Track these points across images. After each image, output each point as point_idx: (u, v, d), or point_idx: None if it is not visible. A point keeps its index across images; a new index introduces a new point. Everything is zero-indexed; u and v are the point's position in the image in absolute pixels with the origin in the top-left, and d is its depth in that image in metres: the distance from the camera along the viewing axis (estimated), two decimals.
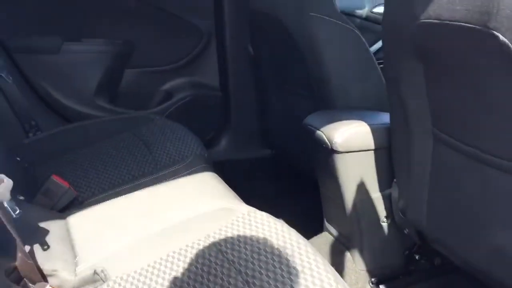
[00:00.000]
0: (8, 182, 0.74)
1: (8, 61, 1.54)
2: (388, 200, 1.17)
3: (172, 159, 1.28)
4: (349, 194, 1.17)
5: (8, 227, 0.72)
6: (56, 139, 1.49)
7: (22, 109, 1.45)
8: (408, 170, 1.02)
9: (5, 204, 0.72)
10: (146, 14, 1.70)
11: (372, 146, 1.12)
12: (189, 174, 1.18)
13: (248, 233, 0.82)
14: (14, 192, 1.09)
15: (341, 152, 1.11)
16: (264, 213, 0.88)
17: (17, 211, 0.74)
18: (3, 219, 0.72)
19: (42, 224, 0.94)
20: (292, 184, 1.84)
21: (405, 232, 1.15)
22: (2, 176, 0.75)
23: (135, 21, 1.71)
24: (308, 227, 1.54)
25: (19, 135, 1.45)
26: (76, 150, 1.39)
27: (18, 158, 1.36)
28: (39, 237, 0.88)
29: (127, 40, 1.73)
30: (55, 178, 1.09)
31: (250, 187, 1.87)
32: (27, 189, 1.19)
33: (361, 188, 1.16)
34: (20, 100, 1.44)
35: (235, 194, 1.09)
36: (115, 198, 1.07)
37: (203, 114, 1.91)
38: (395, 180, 1.14)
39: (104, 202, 1.06)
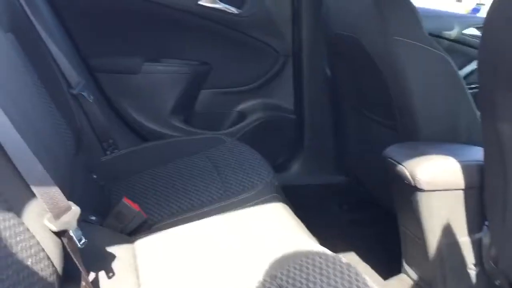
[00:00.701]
0: (75, 210, 0.74)
1: (91, 80, 1.60)
2: (477, 246, 1.05)
3: (242, 186, 1.24)
4: (433, 236, 1.07)
5: (73, 257, 0.71)
6: (131, 158, 1.52)
7: (101, 128, 1.50)
8: (503, 213, 0.90)
9: (71, 233, 0.72)
10: (223, 35, 1.71)
11: (462, 185, 1.01)
12: (258, 204, 1.14)
13: (317, 278, 0.76)
14: (87, 211, 1.13)
15: (426, 191, 1.01)
16: (336, 257, 0.81)
17: (83, 241, 0.73)
18: (68, 249, 0.71)
19: (110, 249, 0.94)
20: (367, 215, 1.75)
21: (496, 283, 1.02)
22: (70, 203, 0.75)
23: (212, 42, 1.72)
24: (384, 266, 1.44)
25: (97, 153, 1.49)
26: (150, 170, 1.41)
27: (94, 176, 1.41)
28: (105, 264, 0.87)
29: (204, 61, 1.74)
30: (126, 201, 1.10)
31: (321, 215, 1.81)
32: (100, 208, 1.21)
33: (447, 231, 1.05)
34: (100, 119, 1.48)
35: (306, 230, 1.03)
36: (183, 225, 1.05)
37: (275, 137, 1.87)
38: (486, 223, 1.02)
39: (172, 228, 1.05)
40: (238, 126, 1.80)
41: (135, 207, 1.12)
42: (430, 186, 1.01)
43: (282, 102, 1.86)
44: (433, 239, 1.07)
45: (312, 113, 1.84)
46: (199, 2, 1.61)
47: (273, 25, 1.73)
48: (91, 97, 1.45)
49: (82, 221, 1.08)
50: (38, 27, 1.31)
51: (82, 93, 1.42)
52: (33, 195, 0.70)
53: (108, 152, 1.52)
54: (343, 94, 1.63)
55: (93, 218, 1.11)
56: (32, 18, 1.30)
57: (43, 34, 1.33)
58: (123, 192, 1.31)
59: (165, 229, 1.06)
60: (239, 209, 1.12)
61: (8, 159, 0.68)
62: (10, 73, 0.91)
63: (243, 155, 1.45)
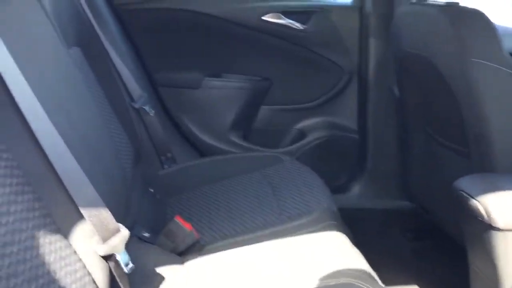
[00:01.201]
0: (124, 233, 0.73)
1: (153, 94, 1.62)
2: None
3: (298, 210, 1.19)
4: (510, 281, 0.96)
5: (119, 282, 0.69)
6: (188, 172, 1.51)
7: (161, 141, 1.50)
8: None
9: (118, 258, 0.70)
10: (286, 51, 1.68)
11: None
12: (314, 231, 1.08)
13: None
14: (140, 227, 1.12)
15: (502, 230, 0.91)
16: None
17: (130, 266, 0.71)
18: (115, 274, 0.69)
19: (159, 270, 0.92)
20: (433, 246, 1.63)
21: None
22: (119, 225, 0.73)
23: (274, 58, 1.70)
24: None
25: (156, 166, 1.50)
26: (206, 186, 1.40)
27: (151, 190, 1.41)
28: (153, 286, 0.85)
29: (265, 77, 1.72)
30: (178, 220, 1.08)
31: (382, 242, 1.71)
32: (154, 224, 1.21)
33: None
34: (159, 132, 1.50)
35: (364, 259, 0.96)
36: (235, 249, 1.02)
37: (336, 157, 1.81)
38: None
39: (224, 251, 1.02)
40: (297, 145, 1.75)
41: (187, 226, 1.10)
42: (507, 226, 0.91)
43: (344, 121, 1.79)
44: (509, 284, 0.96)
45: (376, 134, 1.76)
46: (263, 18, 1.59)
47: (339, 41, 1.67)
48: (152, 111, 1.46)
49: (135, 237, 1.08)
50: (105, 41, 1.35)
51: (144, 107, 1.43)
52: (81, 217, 0.69)
53: (166, 166, 1.53)
54: (411, 115, 1.54)
55: (146, 235, 1.10)
56: (99, 31, 1.34)
57: (109, 48, 1.36)
58: (178, 208, 1.31)
59: (216, 251, 1.03)
60: (294, 235, 1.06)
61: (59, 180, 0.68)
62: (69, 91, 0.93)
63: (301, 176, 1.40)
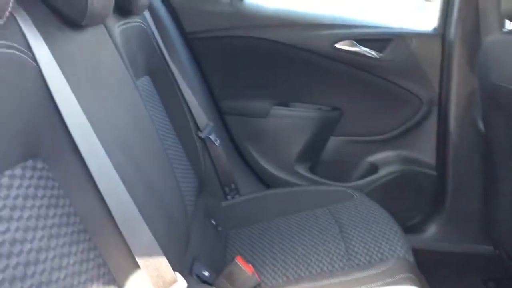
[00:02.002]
0: (181, 284, 0.68)
1: (219, 122, 1.60)
2: None
3: (368, 256, 1.10)
4: None
5: None
6: (252, 205, 1.48)
7: (225, 172, 1.48)
8: None
9: None
10: (359, 80, 1.60)
11: None
12: (387, 284, 0.98)
13: None
14: (201, 263, 1.08)
15: None
16: None
17: None
18: None
19: None
20: None
21: None
22: (177, 275, 0.69)
23: (346, 86, 1.62)
24: None
25: (219, 197, 1.47)
26: (270, 220, 1.35)
27: (213, 221, 1.38)
28: None
29: (336, 106, 1.64)
30: (239, 261, 1.03)
31: None
32: (214, 260, 1.17)
33: None
34: (224, 163, 1.47)
35: None
36: None
37: (411, 194, 1.69)
38: None
39: None
40: (368, 179, 1.65)
41: (248, 268, 1.05)
42: None
43: (421, 156, 1.67)
44: None
45: (457, 170, 1.61)
46: (336, 45, 1.53)
47: (418, 70, 1.56)
48: (217, 140, 1.43)
49: (195, 276, 1.05)
50: (174, 69, 1.35)
51: (209, 136, 1.41)
52: (137, 267, 0.65)
53: (229, 197, 1.50)
54: (498, 152, 1.40)
55: (206, 273, 1.06)
56: (168, 60, 1.34)
57: (178, 76, 1.36)
58: (240, 243, 1.27)
59: None
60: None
61: (116, 226, 0.64)
62: (133, 127, 0.91)
63: (372, 216, 1.31)
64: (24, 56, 0.59)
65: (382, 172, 1.66)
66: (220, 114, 1.63)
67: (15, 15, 0.61)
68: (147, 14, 1.29)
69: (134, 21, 1.17)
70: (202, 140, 1.42)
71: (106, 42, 0.93)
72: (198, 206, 1.33)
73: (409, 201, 1.69)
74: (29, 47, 0.60)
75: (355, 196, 1.41)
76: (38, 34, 0.63)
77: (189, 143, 1.36)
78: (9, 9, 0.51)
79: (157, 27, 1.35)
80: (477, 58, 1.36)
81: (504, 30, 1.29)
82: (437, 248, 1.68)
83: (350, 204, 1.37)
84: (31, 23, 0.63)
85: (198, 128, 1.41)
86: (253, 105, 1.63)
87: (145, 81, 1.24)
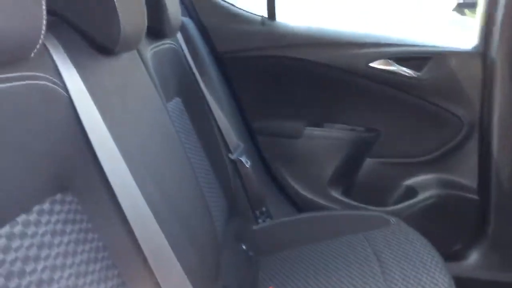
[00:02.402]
0: None
1: (250, 143, 1.57)
2: None
3: None
4: None
5: None
6: (284, 229, 1.43)
7: (256, 194, 1.44)
8: None
9: None
10: (395, 100, 1.54)
11: None
12: None
13: None
14: None
15: None
16: None
17: None
18: None
19: None
20: None
21: None
22: None
23: (382, 107, 1.57)
24: None
25: (249, 221, 1.43)
26: (303, 246, 1.31)
27: (244, 246, 1.35)
28: None
29: (371, 127, 1.59)
30: None
31: None
32: (245, 285, 1.14)
33: None
34: (255, 185, 1.43)
35: None
36: None
37: (451, 219, 1.60)
38: None
39: None
40: (406, 204, 1.58)
41: None
42: None
43: (462, 179, 1.59)
44: None
45: (501, 195, 1.53)
46: (371, 64, 1.48)
47: (458, 90, 1.50)
48: (248, 162, 1.40)
49: None
50: (205, 90, 1.33)
51: (240, 157, 1.38)
52: None
53: (260, 221, 1.46)
54: None
55: None
56: (200, 80, 1.32)
57: (209, 97, 1.34)
58: (272, 270, 1.23)
59: None
60: None
61: (146, 260, 0.61)
62: (163, 152, 0.89)
63: (411, 245, 1.25)
64: (55, 87, 0.57)
65: (420, 196, 1.59)
66: (251, 134, 1.59)
67: (46, 44, 0.59)
68: (178, 34, 1.28)
69: (166, 43, 1.15)
70: (233, 161, 1.39)
71: (138, 67, 0.92)
72: (228, 231, 1.30)
73: (449, 227, 1.61)
74: (60, 77, 0.58)
75: (392, 222, 1.35)
76: (69, 62, 0.62)
77: (219, 165, 1.33)
78: (41, 41, 0.50)
79: (188, 47, 1.34)
80: None
81: None
82: (480, 276, 1.59)
83: (387, 231, 1.31)
84: (63, 51, 0.62)
85: (228, 150, 1.38)
86: (285, 126, 1.59)
87: (176, 102, 1.22)
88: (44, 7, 0.49)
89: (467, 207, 1.59)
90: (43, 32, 0.50)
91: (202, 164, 1.27)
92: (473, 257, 1.61)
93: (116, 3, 0.71)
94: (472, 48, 1.50)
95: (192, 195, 0.99)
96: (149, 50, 1.02)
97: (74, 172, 0.58)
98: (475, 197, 1.58)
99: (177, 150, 0.98)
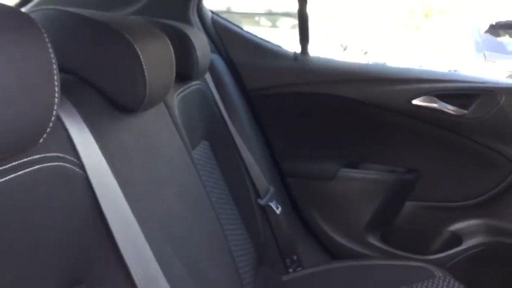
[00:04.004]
0: None
1: (281, 186, 1.49)
2: None
3: None
4: None
5: None
6: (317, 280, 1.35)
7: (286, 242, 1.36)
8: None
9: None
10: (438, 139, 1.44)
11: None
12: None
13: None
14: None
15: None
16: None
17: None
18: None
19: None
20: None
21: None
22: None
23: (424, 146, 1.47)
24: None
25: (279, 270, 1.35)
26: None
27: None
28: None
29: (412, 168, 1.49)
30: None
31: None
32: None
33: None
34: (285, 232, 1.35)
35: None
36: None
37: (500, 270, 1.48)
38: None
39: None
40: (451, 252, 1.47)
41: None
42: None
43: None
44: None
45: None
46: (413, 101, 1.39)
47: (508, 130, 1.40)
48: (279, 207, 1.33)
49: None
50: (234, 132, 1.27)
51: (270, 203, 1.31)
52: None
53: (290, 270, 1.37)
54: None
55: None
56: (228, 122, 1.26)
57: (238, 139, 1.28)
58: None
59: None
60: None
61: None
62: (186, 218, 0.82)
63: None
64: (70, 166, 0.51)
65: (466, 243, 1.48)
66: (281, 176, 1.51)
67: (60, 113, 0.53)
68: (207, 73, 1.22)
69: (193, 85, 1.10)
70: (262, 207, 1.31)
71: (164, 120, 0.86)
72: (257, 283, 1.22)
73: (499, 276, 1.49)
74: (76, 153, 0.52)
75: (436, 275, 1.26)
76: (87, 130, 0.56)
77: (247, 211, 1.26)
78: (53, 118, 0.43)
79: (216, 86, 1.28)
80: None
81: None
82: None
83: (431, 286, 1.22)
84: (79, 117, 0.56)
85: (258, 195, 1.31)
86: (318, 167, 1.51)
87: (203, 147, 1.16)
88: (56, 82, 0.43)
89: None
90: (54, 112, 0.43)
91: (230, 211, 1.21)
92: None
93: (142, 57, 0.65)
94: None
95: (218, 256, 0.92)
96: (176, 96, 0.97)
97: (91, 264, 0.52)
98: None
99: (203, 207, 0.91)
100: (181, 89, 1.01)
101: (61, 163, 0.50)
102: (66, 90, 0.56)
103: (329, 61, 1.50)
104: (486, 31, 5.11)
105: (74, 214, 0.51)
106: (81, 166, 0.53)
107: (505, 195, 1.47)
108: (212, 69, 1.28)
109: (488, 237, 1.48)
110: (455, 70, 3.40)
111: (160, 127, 0.82)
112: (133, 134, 0.70)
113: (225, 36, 1.47)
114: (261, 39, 1.51)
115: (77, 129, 0.55)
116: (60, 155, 0.50)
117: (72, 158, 0.52)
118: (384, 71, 1.45)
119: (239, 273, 1.05)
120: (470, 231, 1.50)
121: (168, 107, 0.89)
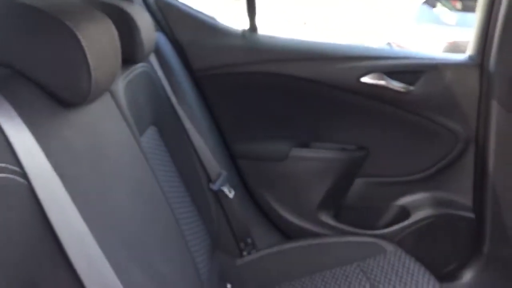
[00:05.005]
0: None
1: (232, 169, 1.47)
2: None
3: None
4: None
5: None
6: (271, 261, 1.36)
7: (240, 225, 1.35)
8: None
9: None
10: (386, 115, 1.47)
11: None
12: None
13: None
14: None
15: None
16: None
17: None
18: None
19: None
20: None
21: None
22: None
23: (373, 124, 1.49)
24: None
25: (233, 254, 1.35)
26: (293, 280, 1.24)
27: (229, 285, 1.26)
28: None
29: (361, 145, 1.51)
30: None
31: None
32: None
33: None
34: (239, 216, 1.34)
35: None
36: None
37: (446, 239, 1.56)
38: None
39: None
40: (400, 226, 1.52)
41: None
42: None
43: (457, 197, 1.54)
44: None
45: (497, 213, 1.49)
46: (362, 79, 1.40)
47: (454, 104, 1.44)
48: (232, 191, 1.31)
49: None
50: (182, 115, 1.22)
51: (223, 188, 1.29)
52: None
53: (245, 253, 1.37)
54: None
55: None
56: (175, 104, 1.22)
57: (186, 121, 1.24)
58: None
59: None
60: None
61: None
62: (142, 213, 0.78)
63: (409, 275, 1.22)
64: (12, 176, 0.46)
65: (414, 217, 1.53)
66: (233, 159, 1.49)
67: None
68: (151, 54, 1.16)
69: (138, 67, 1.04)
70: (215, 192, 1.29)
71: (111, 110, 0.80)
72: (212, 269, 1.21)
73: (444, 246, 1.56)
74: (17, 161, 0.47)
75: (387, 250, 1.31)
76: (27, 132, 0.51)
77: (200, 197, 1.23)
78: None
79: (162, 67, 1.22)
80: None
81: None
82: None
83: (382, 260, 1.27)
84: (19, 119, 0.50)
85: (209, 179, 1.28)
86: (269, 148, 1.49)
87: (151, 133, 1.11)
88: None
89: (462, 226, 1.55)
90: None
91: (182, 198, 1.17)
92: (468, 276, 1.57)
93: (85, 46, 0.59)
94: (469, 60, 1.44)
95: (174, 252, 0.90)
96: (121, 82, 0.91)
97: (42, 281, 0.47)
98: (471, 215, 1.54)
99: (157, 201, 0.87)
100: (126, 73, 0.95)
101: (3, 175, 0.45)
102: (0, 86, 0.50)
103: (278, 39, 1.47)
104: (424, 3, 5.25)
105: (20, 229, 0.46)
106: (24, 175, 0.47)
107: (450, 167, 1.52)
108: (156, 49, 1.22)
109: (434, 209, 1.54)
110: (394, 44, 3.49)
111: (107, 119, 0.77)
112: (79, 131, 0.64)
113: (169, 13, 1.40)
114: (208, 16, 1.46)
115: (16, 132, 0.49)
116: (3, 165, 0.45)
117: (13, 167, 0.46)
118: (333, 49, 1.44)
119: (196, 267, 1.04)
120: (418, 205, 1.55)
121: (113, 95, 0.83)
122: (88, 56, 0.58)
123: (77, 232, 0.51)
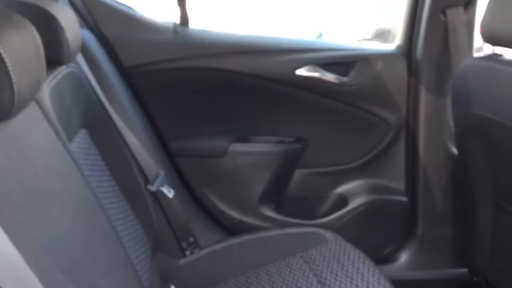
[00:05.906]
0: None
1: (171, 167, 1.44)
2: None
3: None
4: None
5: None
6: (215, 259, 1.35)
7: (181, 225, 1.33)
8: None
9: None
10: (322, 107, 1.50)
11: None
12: None
13: None
14: None
15: None
16: None
17: None
18: None
19: None
20: None
21: None
22: None
23: (310, 115, 1.52)
24: None
25: (175, 255, 1.33)
26: (238, 276, 1.25)
27: (172, 286, 1.25)
28: None
29: (299, 137, 1.54)
30: None
31: None
32: None
33: None
34: (179, 215, 1.32)
35: None
36: None
37: (382, 223, 1.62)
38: None
39: None
40: (338, 214, 1.56)
41: None
42: None
43: (391, 183, 1.61)
44: None
45: (428, 196, 1.58)
46: (297, 72, 1.41)
47: (384, 94, 1.50)
48: (171, 191, 1.29)
49: None
50: (114, 115, 1.18)
51: (161, 188, 1.26)
52: None
53: (187, 252, 1.35)
54: (474, 179, 1.37)
55: None
56: (106, 104, 1.17)
57: (118, 121, 1.20)
58: None
59: None
60: None
61: None
62: (63, 226, 0.74)
63: (350, 262, 1.26)
64: None
65: (352, 204, 1.58)
66: (171, 157, 1.46)
67: None
68: (78, 53, 1.10)
69: (64, 69, 0.98)
70: (153, 193, 1.26)
71: (36, 119, 0.75)
72: (154, 272, 1.19)
73: (381, 230, 1.63)
74: None
75: (328, 238, 1.34)
76: None
77: (138, 200, 1.20)
78: None
79: (90, 66, 1.17)
80: (452, 83, 1.30)
81: (481, 55, 1.24)
82: (410, 277, 1.64)
83: (324, 249, 1.30)
84: None
85: (147, 180, 1.25)
86: (207, 144, 1.48)
87: (81, 137, 1.06)
88: None
89: (396, 209, 1.62)
90: None
91: (119, 203, 1.14)
92: (404, 258, 1.65)
93: (5, 56, 0.55)
94: (397, 50, 1.50)
95: (114, 266, 0.87)
96: (46, 87, 0.86)
97: None
98: (404, 198, 1.61)
99: (92, 213, 0.84)
100: (51, 77, 0.90)
101: None
102: None
103: (211, 33, 1.45)
104: None
105: None
106: None
107: (384, 155, 1.58)
108: (83, 47, 1.16)
109: (370, 195, 1.60)
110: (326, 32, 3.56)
111: (33, 130, 0.72)
112: (3, 148, 0.60)
113: (94, 8, 1.34)
114: (136, 10, 1.41)
115: None
116: None
117: None
118: (267, 42, 1.45)
119: (137, 274, 1.01)
120: (355, 192, 1.61)
121: (38, 103, 0.78)
122: (10, 69, 0.54)
123: (5, 257, 0.48)
